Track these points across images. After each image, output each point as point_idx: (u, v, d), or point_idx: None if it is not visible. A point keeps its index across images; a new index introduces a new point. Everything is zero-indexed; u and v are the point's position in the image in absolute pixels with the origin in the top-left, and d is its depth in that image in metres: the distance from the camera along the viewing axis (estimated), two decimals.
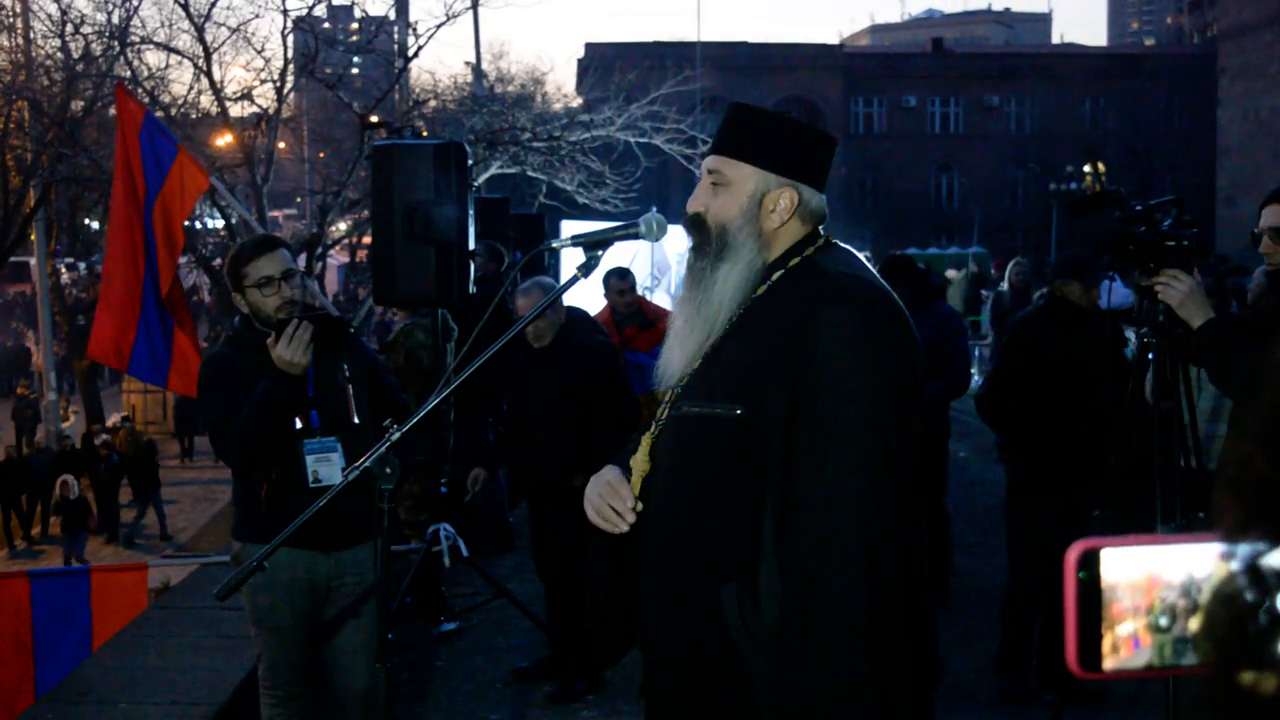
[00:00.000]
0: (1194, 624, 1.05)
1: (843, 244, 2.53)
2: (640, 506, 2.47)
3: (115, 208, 8.25)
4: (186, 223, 20.55)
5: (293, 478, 4.00)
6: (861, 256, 2.56)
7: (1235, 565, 0.90)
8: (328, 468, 4.00)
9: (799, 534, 2.24)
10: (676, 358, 2.49)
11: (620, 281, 8.25)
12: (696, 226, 2.51)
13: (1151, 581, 1.05)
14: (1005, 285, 15.80)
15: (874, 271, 2.50)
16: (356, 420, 4.10)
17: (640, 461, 2.51)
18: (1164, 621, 1.05)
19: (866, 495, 2.22)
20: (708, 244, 2.47)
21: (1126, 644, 1.05)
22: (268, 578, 4.03)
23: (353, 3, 19.66)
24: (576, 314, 6.01)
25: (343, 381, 4.14)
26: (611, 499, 2.47)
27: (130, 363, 8.11)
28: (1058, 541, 4.81)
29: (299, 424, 4.02)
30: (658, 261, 14.19)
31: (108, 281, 8.20)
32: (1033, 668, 5.78)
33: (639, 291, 11.69)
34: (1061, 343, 5.57)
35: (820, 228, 2.52)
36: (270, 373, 3.88)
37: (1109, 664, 1.05)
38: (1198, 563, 1.05)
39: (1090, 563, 1.05)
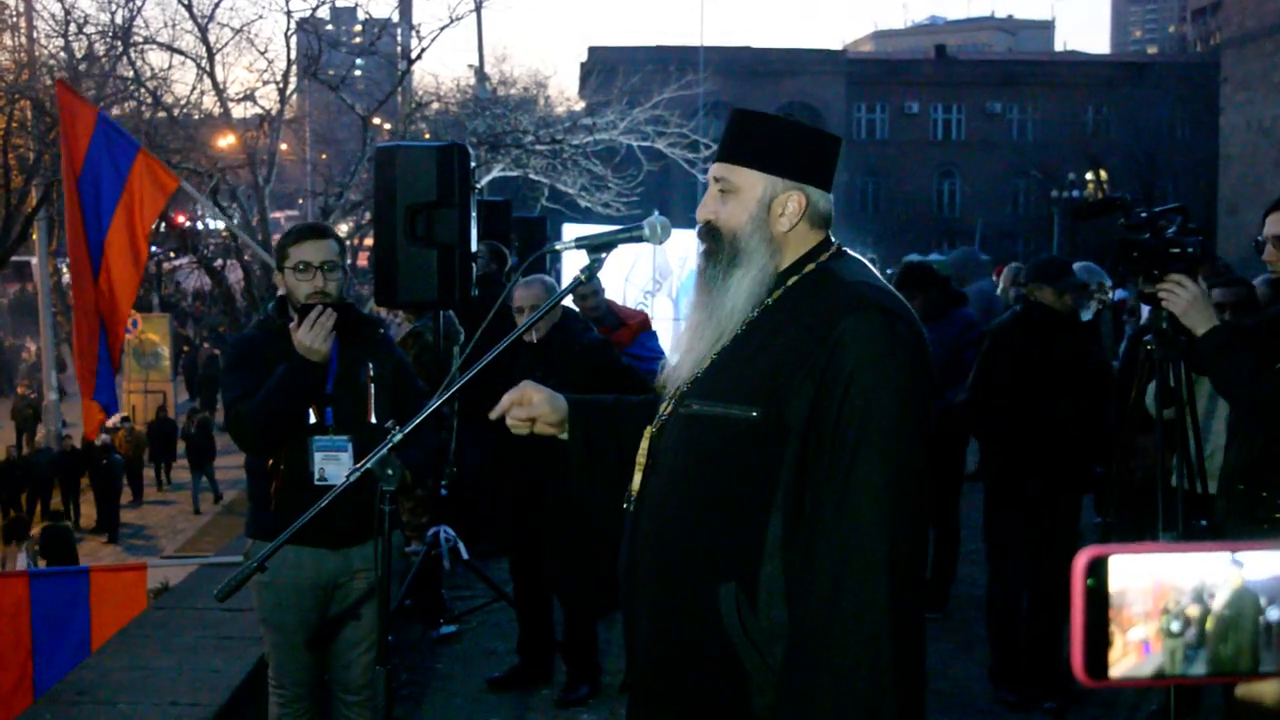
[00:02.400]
0: (1208, 628, 1.04)
1: (852, 252, 2.54)
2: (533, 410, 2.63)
3: (69, 220, 7.95)
4: (189, 223, 20.66)
5: (301, 475, 4.00)
6: (868, 261, 2.56)
7: None
8: (335, 466, 3.99)
9: (820, 541, 2.24)
10: (685, 360, 2.49)
11: (583, 287, 8.18)
12: (709, 235, 2.51)
13: (1163, 587, 1.04)
14: (999, 291, 15.81)
15: (884, 279, 2.50)
16: (374, 421, 4.08)
17: (641, 454, 2.52)
18: (1175, 626, 1.04)
19: (891, 502, 2.24)
20: (720, 251, 2.48)
21: (1138, 649, 1.05)
22: (273, 577, 4.04)
23: (356, 4, 19.67)
24: (566, 311, 5.98)
25: (365, 380, 4.13)
26: (518, 410, 2.64)
27: (96, 388, 7.95)
28: (1036, 547, 4.82)
29: (312, 419, 4.02)
30: (659, 265, 14.16)
31: (78, 296, 8.00)
32: (1025, 674, 5.77)
33: (641, 296, 11.66)
34: (1039, 348, 5.58)
35: (830, 233, 2.52)
36: (290, 358, 3.89)
37: (1116, 671, 1.04)
38: (1209, 569, 1.05)
39: (1098, 570, 1.04)
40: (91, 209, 7.75)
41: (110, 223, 7.73)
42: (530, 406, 2.63)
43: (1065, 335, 5.60)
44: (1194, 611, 1.04)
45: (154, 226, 9.31)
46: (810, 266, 2.46)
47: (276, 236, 18.92)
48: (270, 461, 4.08)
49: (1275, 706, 1.10)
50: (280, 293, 4.20)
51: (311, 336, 3.86)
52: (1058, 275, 5.65)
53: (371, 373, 4.14)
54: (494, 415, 2.64)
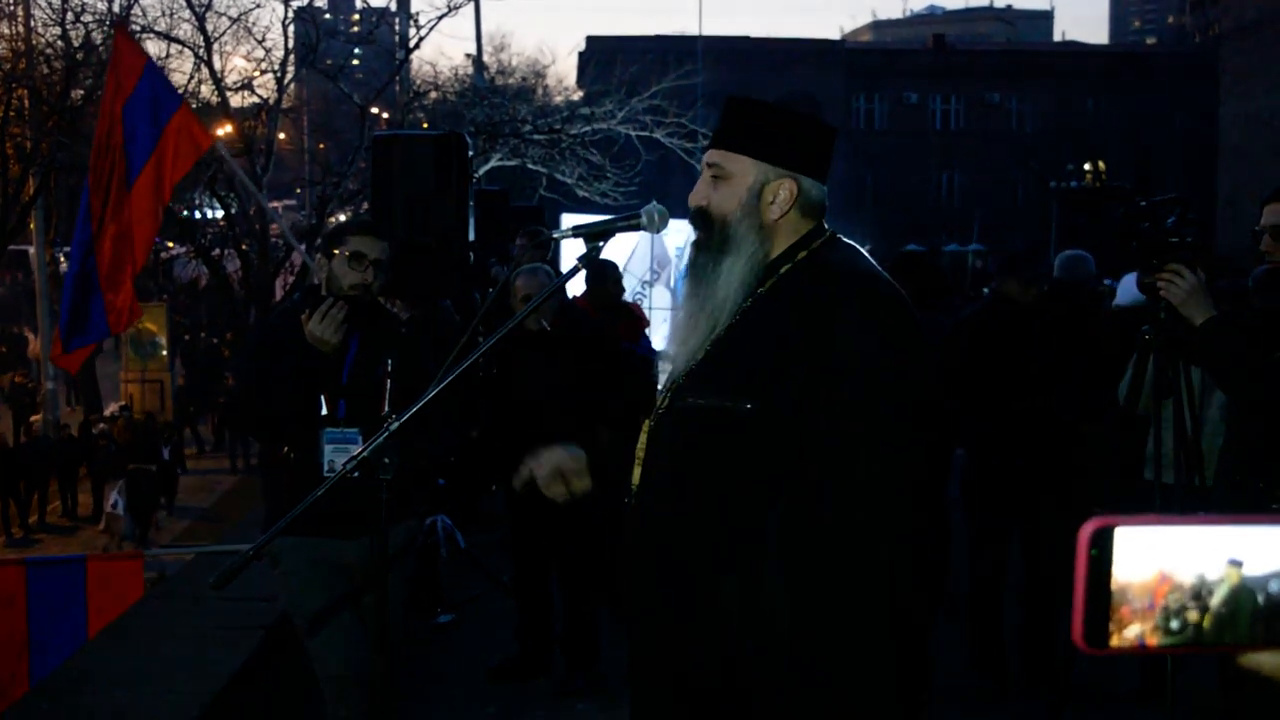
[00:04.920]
0: (1203, 628, 1.04)
1: (846, 239, 2.53)
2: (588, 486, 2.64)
3: (95, 164, 8.11)
4: (186, 213, 20.64)
5: (311, 466, 4.01)
6: (865, 251, 2.55)
7: None
8: (344, 459, 3.99)
9: (818, 530, 2.23)
10: (680, 351, 2.49)
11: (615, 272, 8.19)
12: (700, 220, 2.50)
13: (1162, 584, 1.04)
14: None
15: (878, 265, 2.49)
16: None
17: (640, 448, 2.52)
18: (1175, 625, 1.04)
19: (888, 486, 2.24)
20: (710, 238, 2.47)
21: (1132, 645, 1.05)
22: (292, 565, 4.06)
23: None
24: (568, 300, 5.97)
25: (382, 375, 4.14)
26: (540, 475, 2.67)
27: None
28: (1024, 542, 4.78)
29: (325, 411, 4.03)
30: (657, 255, 14.17)
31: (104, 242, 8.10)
32: (1002, 662, 5.77)
33: (639, 286, 11.65)
34: (1002, 340, 5.57)
35: (824, 221, 2.51)
36: (302, 347, 3.91)
37: (1115, 641, 1.05)
38: (1208, 567, 1.04)
39: (1103, 540, 1.04)
40: (129, 148, 7.88)
41: (141, 170, 7.85)
42: (549, 462, 2.66)
43: (1031, 327, 5.58)
44: (1192, 609, 1.04)
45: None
46: (802, 254, 2.45)
47: (275, 227, 18.81)
48: (284, 451, 4.10)
49: (1271, 674, 1.11)
50: (313, 282, 4.22)
51: (322, 328, 3.89)
52: (1023, 267, 5.65)
53: (390, 368, 4.15)
54: (517, 486, 2.69)
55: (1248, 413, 3.97)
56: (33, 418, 22.57)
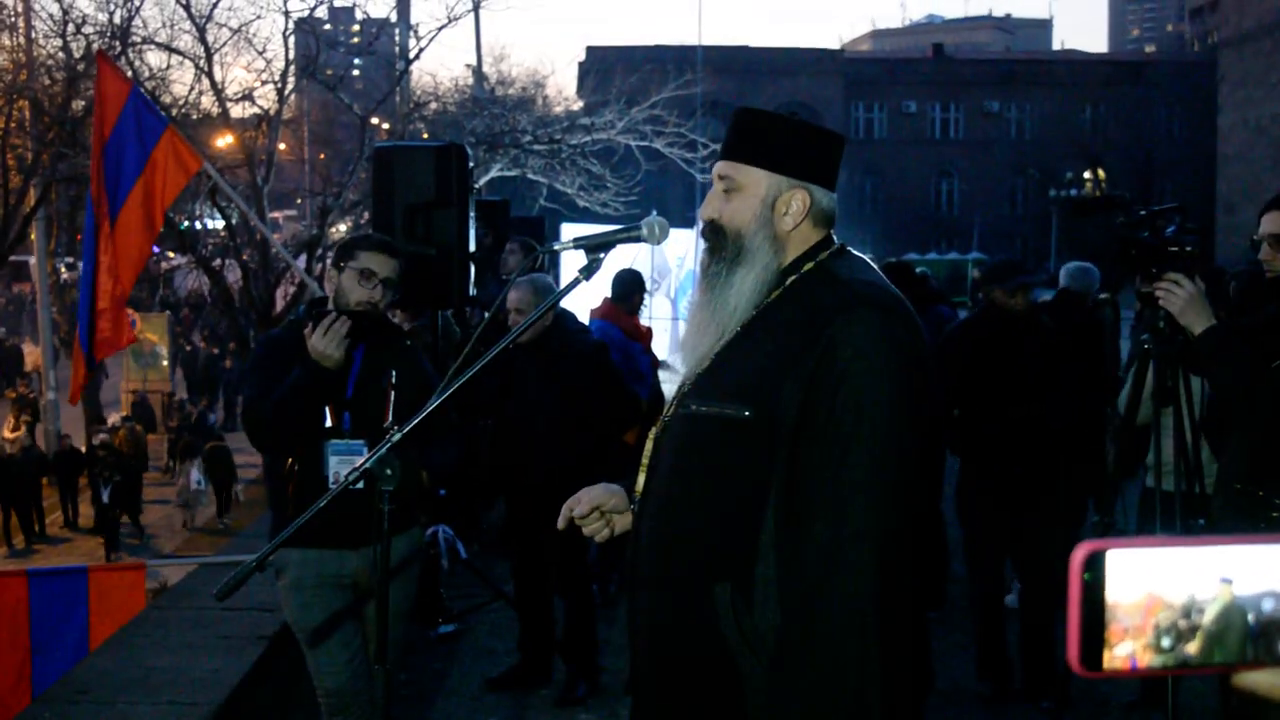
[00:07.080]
0: (1194, 647, 1.05)
1: (855, 251, 2.54)
2: (582, 512, 2.62)
3: (93, 191, 8.18)
4: (186, 223, 20.66)
5: (315, 478, 4.01)
6: (869, 260, 2.56)
7: None
8: (349, 470, 4.00)
9: (809, 539, 2.23)
10: (688, 358, 2.50)
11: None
12: (713, 233, 2.51)
13: (1152, 601, 1.05)
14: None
15: (886, 278, 2.49)
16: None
17: (645, 454, 2.53)
18: (1166, 643, 1.05)
19: (881, 498, 2.23)
20: (723, 249, 2.48)
21: (1123, 663, 1.06)
22: (295, 579, 4.06)
23: (354, 4, 19.69)
24: (562, 312, 5.96)
25: (386, 387, 4.14)
26: (580, 510, 2.63)
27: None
28: (1020, 546, 4.80)
29: (330, 422, 4.04)
30: (658, 265, 14.17)
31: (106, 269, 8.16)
32: (1006, 668, 5.78)
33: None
34: (994, 347, 5.60)
35: (832, 231, 2.52)
36: (305, 361, 3.92)
37: (1110, 664, 1.06)
38: (1199, 585, 1.05)
39: (1095, 564, 1.05)
40: (111, 180, 7.92)
41: (126, 197, 7.88)
42: (587, 500, 2.63)
43: (1019, 334, 5.60)
44: (1183, 628, 1.05)
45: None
46: (809, 265, 2.45)
47: (277, 236, 18.81)
48: (288, 464, 4.11)
49: (1267, 694, 1.12)
50: (320, 294, 4.22)
51: (325, 342, 3.89)
52: (1007, 275, 5.68)
53: (394, 380, 4.15)
54: (561, 526, 2.65)
55: (1247, 421, 3.97)
56: (6, 434, 22.35)
